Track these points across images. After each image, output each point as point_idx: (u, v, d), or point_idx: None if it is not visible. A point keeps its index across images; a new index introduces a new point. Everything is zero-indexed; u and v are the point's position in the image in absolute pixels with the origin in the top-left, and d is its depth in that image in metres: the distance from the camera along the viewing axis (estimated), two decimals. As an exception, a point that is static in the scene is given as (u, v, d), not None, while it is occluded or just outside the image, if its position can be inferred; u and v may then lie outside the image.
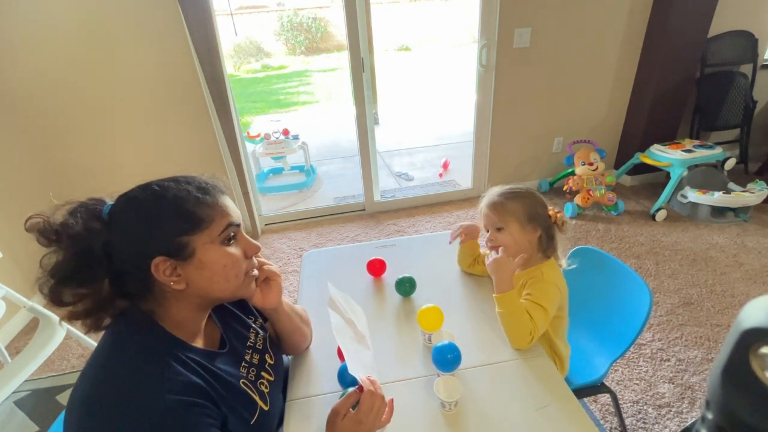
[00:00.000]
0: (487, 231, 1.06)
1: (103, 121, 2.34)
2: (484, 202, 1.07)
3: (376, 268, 1.22)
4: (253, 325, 0.87)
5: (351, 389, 0.72)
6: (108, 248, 0.62)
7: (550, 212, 1.04)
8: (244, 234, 0.73)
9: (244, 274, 0.72)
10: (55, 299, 0.62)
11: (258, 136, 3.73)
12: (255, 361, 0.80)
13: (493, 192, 1.07)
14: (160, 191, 0.65)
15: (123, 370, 0.60)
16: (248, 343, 0.82)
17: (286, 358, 1.12)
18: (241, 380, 0.74)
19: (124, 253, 0.63)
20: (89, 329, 0.65)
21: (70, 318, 0.64)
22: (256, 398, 0.75)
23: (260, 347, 0.84)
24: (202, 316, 0.74)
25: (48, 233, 0.62)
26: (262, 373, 0.81)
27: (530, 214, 1.01)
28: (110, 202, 0.67)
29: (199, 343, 0.72)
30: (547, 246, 1.03)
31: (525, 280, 1.02)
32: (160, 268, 0.63)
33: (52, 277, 0.61)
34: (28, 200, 2.23)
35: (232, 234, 0.69)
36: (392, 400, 0.76)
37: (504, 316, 0.95)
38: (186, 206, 0.65)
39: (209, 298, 0.70)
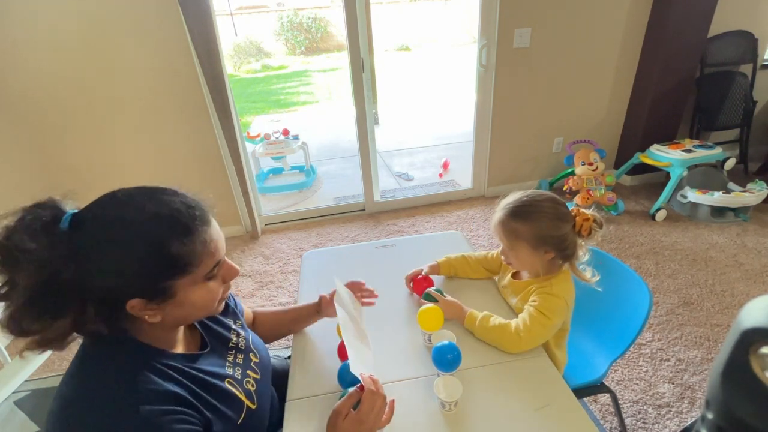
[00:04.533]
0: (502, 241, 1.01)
1: (103, 121, 2.34)
2: (496, 216, 0.99)
3: (423, 287, 1.09)
4: (234, 326, 0.86)
5: (352, 389, 0.72)
6: (79, 274, 0.55)
7: (577, 218, 0.94)
8: (226, 258, 0.69)
9: (219, 299, 0.70)
10: (15, 330, 0.54)
11: (258, 136, 3.73)
12: (239, 360, 0.80)
13: (506, 203, 0.98)
14: (143, 230, 0.57)
15: (95, 386, 0.58)
16: (230, 344, 0.81)
17: (285, 359, 1.12)
18: (227, 379, 0.73)
19: (96, 287, 0.57)
20: (46, 349, 0.58)
21: (38, 347, 0.56)
22: (242, 397, 0.74)
23: (243, 347, 0.84)
24: (177, 330, 0.73)
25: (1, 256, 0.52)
26: (248, 372, 0.80)
27: (540, 237, 0.93)
28: (69, 209, 0.58)
29: (179, 349, 0.71)
30: (561, 264, 0.98)
31: (534, 288, 0.99)
32: (136, 307, 0.59)
33: (9, 305, 0.53)
34: (27, 201, 2.22)
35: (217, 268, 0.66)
36: (393, 401, 0.75)
37: (478, 335, 0.96)
38: (172, 250, 0.57)
39: (183, 323, 0.72)
